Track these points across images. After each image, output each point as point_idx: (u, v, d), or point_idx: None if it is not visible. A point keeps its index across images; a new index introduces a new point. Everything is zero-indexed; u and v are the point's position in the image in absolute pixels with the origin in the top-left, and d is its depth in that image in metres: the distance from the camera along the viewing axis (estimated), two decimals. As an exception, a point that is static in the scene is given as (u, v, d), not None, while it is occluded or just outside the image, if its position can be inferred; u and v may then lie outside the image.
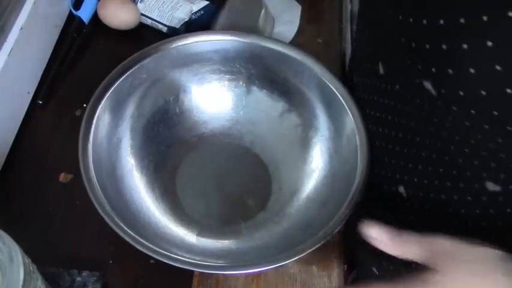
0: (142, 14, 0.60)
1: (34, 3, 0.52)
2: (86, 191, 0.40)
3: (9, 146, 0.50)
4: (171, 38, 0.49)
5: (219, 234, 0.47)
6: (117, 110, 0.46)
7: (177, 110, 0.51)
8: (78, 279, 0.43)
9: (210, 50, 0.50)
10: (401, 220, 0.41)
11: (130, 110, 0.48)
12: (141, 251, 0.38)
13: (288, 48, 0.49)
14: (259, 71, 0.51)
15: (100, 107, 0.44)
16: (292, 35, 0.61)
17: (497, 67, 0.27)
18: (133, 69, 0.47)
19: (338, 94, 0.47)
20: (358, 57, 0.48)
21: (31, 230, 0.46)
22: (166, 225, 0.46)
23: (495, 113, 0.29)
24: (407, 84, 0.36)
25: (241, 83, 0.52)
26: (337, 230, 0.40)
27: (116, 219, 0.39)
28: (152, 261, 0.44)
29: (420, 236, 0.32)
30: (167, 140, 0.51)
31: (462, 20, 0.27)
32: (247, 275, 0.46)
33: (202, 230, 0.47)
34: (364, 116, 0.45)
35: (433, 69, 0.31)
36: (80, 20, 0.59)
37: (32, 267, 0.32)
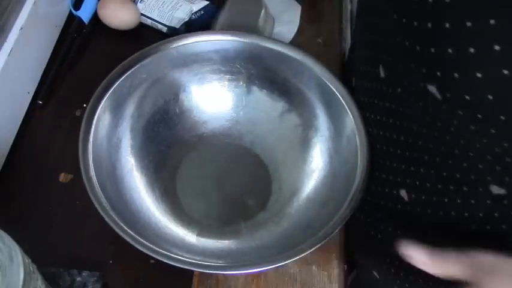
0: (142, 14, 0.60)
1: (34, 3, 0.52)
2: (86, 191, 0.40)
3: (9, 146, 0.50)
4: (171, 38, 0.49)
5: (219, 234, 0.47)
6: (117, 110, 0.46)
7: (177, 110, 0.51)
8: (78, 279, 0.43)
9: (210, 50, 0.50)
10: (403, 224, 0.41)
11: (130, 110, 0.48)
12: (141, 251, 0.38)
13: (288, 48, 0.49)
14: (259, 71, 0.51)
15: (100, 107, 0.44)
16: (292, 35, 0.61)
17: (505, 71, 0.26)
18: (133, 69, 0.47)
19: (338, 94, 0.47)
20: (357, 58, 0.48)
21: (31, 230, 0.46)
22: (166, 225, 0.46)
23: (502, 117, 0.28)
24: (410, 88, 0.36)
25: (241, 83, 0.52)
26: (337, 230, 0.40)
27: (116, 219, 0.39)
28: (152, 261, 0.44)
29: (459, 253, 0.32)
30: (167, 140, 0.51)
31: (469, 24, 0.27)
32: (247, 275, 0.46)
33: (202, 230, 0.47)
34: (364, 119, 0.45)
35: (438, 73, 0.31)
36: (80, 20, 0.59)
37: (32, 267, 0.32)
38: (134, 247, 0.38)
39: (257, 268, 0.40)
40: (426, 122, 0.35)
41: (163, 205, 0.48)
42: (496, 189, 0.33)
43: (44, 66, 0.56)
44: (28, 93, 0.54)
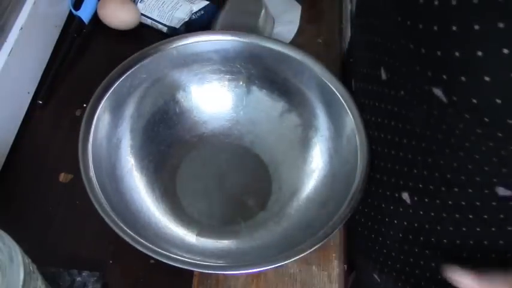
0: (142, 14, 0.60)
1: (34, 3, 0.52)
2: (86, 191, 0.40)
3: (9, 146, 0.50)
4: (171, 38, 0.49)
5: (219, 234, 0.47)
6: (117, 110, 0.46)
7: (177, 110, 0.51)
8: (78, 279, 0.43)
9: (210, 50, 0.50)
10: (405, 227, 0.41)
11: (130, 110, 0.48)
12: (141, 251, 0.38)
13: (288, 48, 0.49)
14: (260, 71, 0.51)
15: (100, 107, 0.44)
16: (292, 35, 0.61)
17: None
18: (133, 69, 0.47)
19: (338, 94, 0.47)
20: (356, 60, 0.47)
21: (31, 230, 0.46)
22: (166, 225, 0.46)
23: (510, 121, 0.28)
24: (414, 91, 0.35)
25: (241, 83, 0.52)
26: (336, 230, 0.40)
27: (116, 219, 0.39)
28: (152, 261, 0.44)
29: (505, 274, 0.32)
30: (167, 140, 0.51)
31: (477, 27, 0.27)
32: (247, 275, 0.46)
33: (202, 230, 0.47)
34: (364, 121, 0.44)
35: (445, 77, 0.30)
36: (80, 20, 0.59)
37: (32, 267, 0.32)
38: (134, 247, 0.38)
39: (257, 268, 0.40)
40: (430, 124, 0.35)
41: (163, 205, 0.48)
42: (502, 191, 0.33)
43: (44, 66, 0.56)
44: (28, 93, 0.54)
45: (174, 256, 0.38)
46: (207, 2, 0.61)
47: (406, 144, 0.38)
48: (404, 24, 0.32)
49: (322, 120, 0.49)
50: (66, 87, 0.56)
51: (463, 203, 0.36)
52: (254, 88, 0.52)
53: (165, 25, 0.60)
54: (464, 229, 0.37)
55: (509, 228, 0.35)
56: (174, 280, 0.45)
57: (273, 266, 0.40)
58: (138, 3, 0.60)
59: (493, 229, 0.35)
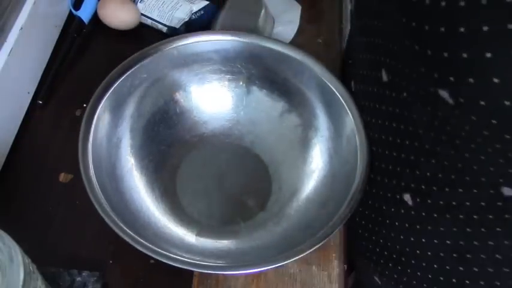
0: (142, 14, 0.60)
1: (34, 3, 0.52)
2: (86, 191, 0.40)
3: (9, 146, 0.50)
4: (171, 38, 0.49)
5: (219, 234, 0.47)
6: (117, 110, 0.46)
7: (177, 110, 0.51)
8: (78, 279, 0.43)
9: (210, 50, 0.50)
10: (406, 229, 0.41)
11: (130, 110, 0.48)
12: (141, 251, 0.38)
13: (288, 48, 0.49)
14: (260, 71, 0.51)
15: (100, 107, 0.45)
16: (292, 35, 0.61)
17: None
18: (133, 69, 0.47)
19: (338, 94, 0.47)
20: (356, 62, 0.47)
21: (31, 230, 0.46)
22: (165, 224, 0.46)
23: None
24: (418, 92, 0.35)
25: (241, 83, 0.52)
26: (336, 230, 0.40)
27: (116, 219, 0.39)
28: (152, 261, 0.44)
29: None
30: (167, 139, 0.51)
31: (485, 28, 0.26)
32: (247, 275, 0.46)
33: (201, 229, 0.47)
34: (364, 123, 0.44)
35: (451, 78, 0.30)
36: (80, 20, 0.59)
37: (32, 267, 0.32)
38: (134, 247, 0.38)
39: (256, 268, 0.40)
40: (434, 126, 0.35)
41: (162, 205, 0.48)
42: (507, 191, 0.33)
43: (44, 66, 0.56)
44: (28, 93, 0.54)
45: (174, 256, 0.38)
46: (207, 2, 0.61)
47: (408, 145, 0.38)
48: (409, 25, 0.32)
49: (322, 120, 0.49)
50: (66, 87, 0.56)
51: (468, 204, 0.35)
52: (254, 88, 0.52)
53: (165, 25, 0.60)
54: (468, 230, 0.36)
55: None
56: (174, 280, 0.45)
57: (273, 267, 0.40)
58: (138, 3, 0.60)
59: (498, 229, 0.35)
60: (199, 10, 0.60)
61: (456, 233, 0.37)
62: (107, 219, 0.39)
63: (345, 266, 0.48)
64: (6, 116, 0.50)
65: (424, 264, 0.41)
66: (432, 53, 0.31)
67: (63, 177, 0.50)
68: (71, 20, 0.59)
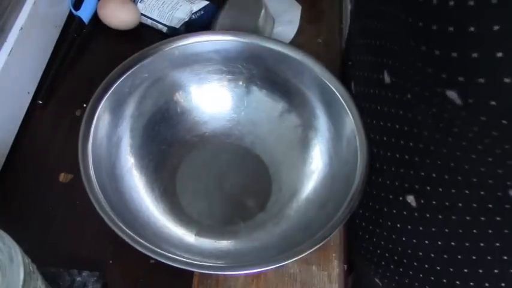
0: (142, 14, 0.60)
1: (34, 3, 0.52)
2: (86, 191, 0.40)
3: (9, 146, 0.50)
4: (171, 38, 0.49)
5: (218, 235, 0.47)
6: (117, 110, 0.46)
7: (178, 110, 0.51)
8: (78, 279, 0.43)
9: (211, 50, 0.50)
10: (409, 230, 0.41)
11: (130, 110, 0.48)
12: (140, 251, 0.38)
13: (288, 48, 0.49)
14: (261, 72, 0.51)
15: (100, 107, 0.44)
16: (292, 35, 0.61)
17: None
18: (133, 69, 0.47)
19: (338, 94, 0.47)
20: (355, 64, 0.47)
21: (31, 230, 0.46)
22: (164, 224, 0.46)
23: None
24: (423, 93, 0.35)
25: (240, 83, 0.52)
26: (335, 231, 0.40)
27: (115, 219, 0.39)
28: (152, 261, 0.44)
29: None
30: (168, 139, 0.51)
31: (496, 28, 0.26)
32: (247, 275, 0.46)
33: (201, 229, 0.47)
34: (365, 125, 0.44)
35: (461, 78, 0.30)
36: (80, 20, 0.59)
37: (32, 267, 0.32)
38: (134, 247, 0.38)
39: (256, 269, 0.40)
40: (439, 127, 0.34)
41: (162, 204, 0.48)
42: None
43: (44, 66, 0.56)
44: (28, 93, 0.54)
45: (173, 256, 0.38)
46: (207, 2, 0.61)
47: (412, 147, 0.38)
48: (415, 25, 0.32)
49: (322, 121, 0.49)
50: (66, 87, 0.56)
51: (474, 205, 0.35)
52: (254, 88, 0.52)
53: (165, 25, 0.60)
54: (475, 231, 0.36)
55: None
56: (174, 280, 0.45)
57: (272, 267, 0.40)
58: (138, 3, 0.60)
59: (506, 231, 0.35)
60: (199, 10, 0.60)
61: (462, 234, 0.37)
62: (105, 219, 0.39)
63: (345, 266, 0.48)
64: (6, 116, 0.50)
65: (426, 266, 0.41)
66: (440, 53, 0.30)
67: (63, 177, 0.50)
68: (71, 20, 0.59)
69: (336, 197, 0.44)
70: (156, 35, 0.60)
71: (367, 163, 0.43)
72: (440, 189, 0.37)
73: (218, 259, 0.43)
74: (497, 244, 0.35)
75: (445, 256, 0.39)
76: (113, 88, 0.45)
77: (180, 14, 0.59)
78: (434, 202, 0.38)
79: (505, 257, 0.36)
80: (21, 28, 0.50)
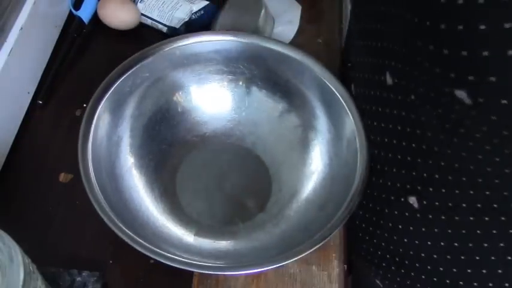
0: (142, 14, 0.60)
1: (34, 3, 0.52)
2: (86, 191, 0.40)
3: (9, 146, 0.50)
4: (171, 38, 0.49)
5: (217, 235, 0.47)
6: (117, 110, 0.46)
7: (178, 110, 0.51)
8: (78, 279, 0.43)
9: (211, 50, 0.50)
10: (411, 232, 0.41)
11: (130, 110, 0.48)
12: (140, 251, 0.38)
13: (288, 48, 0.49)
14: (261, 72, 0.51)
15: (100, 107, 0.45)
16: (292, 35, 0.61)
17: None
18: (133, 69, 0.47)
19: (338, 94, 0.47)
20: (355, 65, 0.47)
21: (31, 230, 0.46)
22: (164, 224, 0.46)
23: None
24: (428, 94, 0.34)
25: (240, 83, 0.52)
26: (335, 232, 0.40)
27: (115, 219, 0.39)
28: (152, 261, 0.44)
29: None
30: (168, 139, 0.51)
31: (507, 25, 0.26)
32: (247, 275, 0.46)
33: (200, 229, 0.47)
34: (366, 126, 0.44)
35: (471, 78, 0.29)
36: (80, 20, 0.59)
37: (32, 267, 0.32)
38: (134, 247, 0.38)
39: (255, 269, 0.40)
40: (445, 128, 0.34)
41: (162, 204, 0.48)
42: None
43: (44, 66, 0.56)
44: (28, 93, 0.54)
45: (172, 256, 0.38)
46: (207, 2, 0.61)
47: (415, 148, 0.37)
48: (422, 25, 0.31)
49: (322, 121, 0.49)
50: (66, 87, 0.56)
51: (479, 206, 0.35)
52: (254, 89, 0.52)
53: (165, 25, 0.60)
54: (478, 232, 0.36)
55: None
56: (174, 280, 0.45)
57: (272, 267, 0.40)
58: (138, 3, 0.60)
59: (511, 231, 0.34)
60: (199, 10, 0.60)
61: (465, 235, 0.37)
62: (105, 218, 0.39)
63: (345, 266, 0.48)
64: (6, 116, 0.50)
65: (429, 267, 0.41)
66: (449, 52, 0.30)
67: (63, 177, 0.50)
68: (71, 20, 0.59)
69: (336, 197, 0.44)
70: (156, 35, 0.60)
71: (367, 164, 0.43)
72: (444, 190, 0.37)
73: (217, 259, 0.43)
74: (502, 244, 0.35)
75: (448, 257, 0.39)
76: (113, 88, 0.45)
77: (180, 14, 0.59)
78: (437, 203, 0.37)
79: (509, 257, 0.35)
80: (21, 28, 0.50)
